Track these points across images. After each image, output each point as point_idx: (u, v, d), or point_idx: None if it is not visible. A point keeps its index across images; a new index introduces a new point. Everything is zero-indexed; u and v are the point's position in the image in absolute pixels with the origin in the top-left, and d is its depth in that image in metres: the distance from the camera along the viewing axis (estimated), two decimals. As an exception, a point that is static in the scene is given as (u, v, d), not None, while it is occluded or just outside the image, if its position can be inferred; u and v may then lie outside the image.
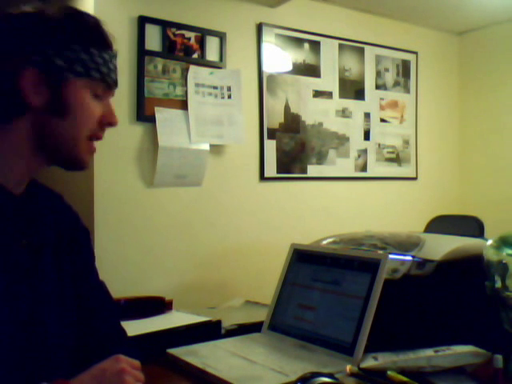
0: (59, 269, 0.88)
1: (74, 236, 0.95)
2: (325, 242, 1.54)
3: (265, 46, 2.90)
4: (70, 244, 0.93)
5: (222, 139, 2.69)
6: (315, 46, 3.09)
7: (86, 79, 0.84)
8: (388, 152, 3.42)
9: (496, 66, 3.58)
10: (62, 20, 0.83)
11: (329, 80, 3.14)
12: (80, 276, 0.94)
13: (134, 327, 1.06)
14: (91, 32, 0.86)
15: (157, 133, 2.50)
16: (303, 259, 1.35)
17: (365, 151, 3.31)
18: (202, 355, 1.14)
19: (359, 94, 3.29)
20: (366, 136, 3.31)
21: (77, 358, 0.94)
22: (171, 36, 2.61)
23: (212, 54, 2.72)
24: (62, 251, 0.90)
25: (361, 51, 3.29)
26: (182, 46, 2.63)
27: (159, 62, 2.56)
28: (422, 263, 1.24)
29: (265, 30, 2.90)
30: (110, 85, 0.89)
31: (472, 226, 2.76)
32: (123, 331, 1.00)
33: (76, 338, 0.90)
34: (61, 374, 0.85)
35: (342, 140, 3.20)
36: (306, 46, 3.06)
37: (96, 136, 0.89)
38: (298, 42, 3.03)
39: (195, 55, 2.67)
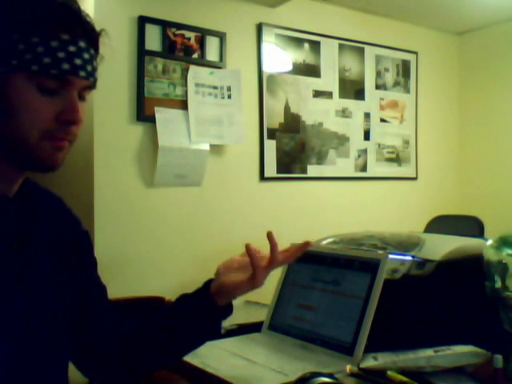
0: (54, 274, 0.86)
1: (75, 240, 0.93)
2: (325, 242, 1.54)
3: (265, 46, 2.90)
4: (70, 248, 0.91)
5: (221, 139, 2.69)
6: (315, 46, 3.09)
7: (26, 73, 0.74)
8: (388, 152, 3.42)
9: (496, 66, 3.58)
10: None
11: (329, 80, 3.14)
12: (79, 280, 0.92)
13: (134, 327, 1.06)
14: (33, 15, 0.75)
15: (157, 133, 2.50)
16: (303, 259, 1.34)
17: (365, 151, 3.31)
18: (201, 355, 1.14)
19: (359, 94, 3.29)
20: (366, 136, 3.31)
21: (76, 361, 0.94)
22: (171, 36, 2.61)
23: (212, 54, 2.72)
24: (61, 255, 0.88)
25: (361, 51, 3.29)
26: (181, 46, 2.63)
27: (159, 62, 2.56)
28: (422, 263, 1.24)
29: (265, 30, 2.90)
30: (62, 77, 0.76)
31: (472, 226, 2.76)
32: None
33: (72, 342, 0.89)
34: (55, 379, 0.85)
35: (342, 140, 3.20)
36: (306, 45, 3.06)
37: (55, 136, 0.77)
38: (298, 42, 3.03)
39: (195, 55, 2.67)
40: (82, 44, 0.77)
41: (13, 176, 0.82)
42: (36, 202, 0.88)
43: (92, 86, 0.82)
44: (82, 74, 0.78)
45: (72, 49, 0.76)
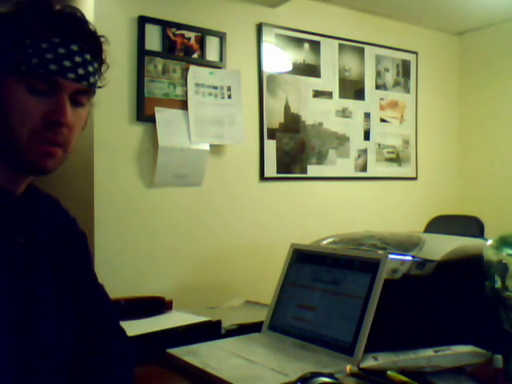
0: (56, 270, 0.88)
1: (71, 240, 0.95)
2: (325, 242, 1.54)
3: (265, 45, 2.90)
4: (67, 248, 0.93)
5: (221, 139, 2.69)
6: (315, 46, 3.09)
7: (17, 74, 0.76)
8: (388, 152, 3.42)
9: (496, 66, 3.58)
10: None
11: (329, 80, 3.14)
12: (78, 279, 0.93)
13: (134, 327, 1.06)
14: (27, 20, 0.77)
15: (157, 133, 2.50)
16: (303, 259, 1.35)
17: (365, 151, 3.31)
18: (202, 355, 1.14)
19: (359, 94, 3.29)
20: (366, 136, 3.31)
21: (75, 359, 0.94)
22: (171, 36, 2.61)
23: (212, 54, 2.72)
24: (59, 255, 0.90)
25: (361, 51, 3.29)
26: (182, 46, 2.63)
27: (159, 62, 2.56)
28: (422, 263, 1.24)
29: (265, 30, 2.90)
30: (50, 78, 0.77)
31: (472, 226, 2.76)
32: (123, 332, 1.00)
33: (74, 338, 0.90)
34: (58, 376, 0.85)
35: (342, 140, 3.20)
36: (306, 45, 3.06)
37: (44, 137, 0.78)
38: (298, 41, 3.03)
39: (195, 55, 2.67)
40: (74, 47, 0.79)
41: (17, 178, 0.85)
42: (37, 204, 0.91)
43: (88, 91, 0.83)
44: (71, 75, 0.78)
45: (61, 51, 0.78)
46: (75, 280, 0.92)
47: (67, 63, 0.78)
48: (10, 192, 0.84)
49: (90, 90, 0.83)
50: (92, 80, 0.82)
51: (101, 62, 0.86)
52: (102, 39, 0.85)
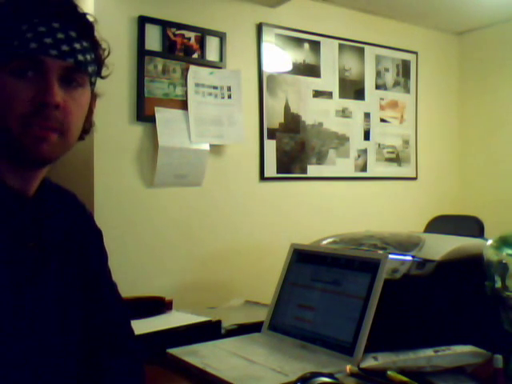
0: (66, 273, 0.86)
1: (86, 237, 0.93)
2: (325, 242, 1.54)
3: (265, 45, 2.90)
4: (82, 245, 0.91)
5: (221, 139, 2.69)
6: (315, 46, 3.09)
7: (1, 61, 0.74)
8: (388, 152, 3.42)
9: (496, 66, 3.58)
10: None
11: (329, 80, 3.14)
12: (91, 277, 0.92)
13: (134, 327, 1.06)
14: (2, 4, 0.75)
15: (157, 133, 2.50)
16: (303, 259, 1.35)
17: (365, 151, 3.31)
18: (202, 355, 1.14)
19: (359, 94, 3.29)
20: (366, 136, 3.31)
21: (84, 359, 0.93)
22: (171, 36, 2.61)
23: (212, 54, 2.72)
24: (72, 253, 0.89)
25: (361, 51, 3.29)
26: (182, 46, 2.63)
27: (159, 62, 2.56)
28: (421, 263, 1.24)
29: (265, 30, 2.90)
30: (31, 56, 0.74)
31: (472, 226, 2.76)
32: (132, 333, 0.99)
33: (80, 343, 0.89)
34: (64, 381, 0.84)
35: (342, 140, 3.20)
36: (306, 45, 3.06)
37: (35, 123, 0.75)
38: (298, 41, 3.03)
39: (195, 55, 2.67)
40: (55, 25, 0.76)
41: (26, 174, 0.82)
42: (52, 201, 0.88)
43: (79, 70, 0.79)
44: (54, 52, 0.75)
45: (42, 29, 0.75)
46: (88, 279, 0.91)
47: (48, 40, 0.75)
48: (21, 194, 0.81)
49: (81, 69, 0.79)
50: (81, 58, 0.78)
51: (92, 41, 0.82)
52: (89, 17, 0.81)
